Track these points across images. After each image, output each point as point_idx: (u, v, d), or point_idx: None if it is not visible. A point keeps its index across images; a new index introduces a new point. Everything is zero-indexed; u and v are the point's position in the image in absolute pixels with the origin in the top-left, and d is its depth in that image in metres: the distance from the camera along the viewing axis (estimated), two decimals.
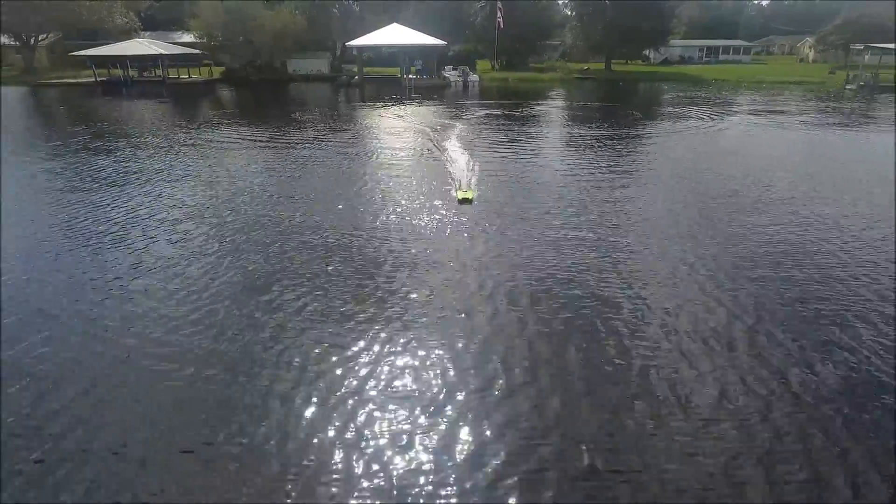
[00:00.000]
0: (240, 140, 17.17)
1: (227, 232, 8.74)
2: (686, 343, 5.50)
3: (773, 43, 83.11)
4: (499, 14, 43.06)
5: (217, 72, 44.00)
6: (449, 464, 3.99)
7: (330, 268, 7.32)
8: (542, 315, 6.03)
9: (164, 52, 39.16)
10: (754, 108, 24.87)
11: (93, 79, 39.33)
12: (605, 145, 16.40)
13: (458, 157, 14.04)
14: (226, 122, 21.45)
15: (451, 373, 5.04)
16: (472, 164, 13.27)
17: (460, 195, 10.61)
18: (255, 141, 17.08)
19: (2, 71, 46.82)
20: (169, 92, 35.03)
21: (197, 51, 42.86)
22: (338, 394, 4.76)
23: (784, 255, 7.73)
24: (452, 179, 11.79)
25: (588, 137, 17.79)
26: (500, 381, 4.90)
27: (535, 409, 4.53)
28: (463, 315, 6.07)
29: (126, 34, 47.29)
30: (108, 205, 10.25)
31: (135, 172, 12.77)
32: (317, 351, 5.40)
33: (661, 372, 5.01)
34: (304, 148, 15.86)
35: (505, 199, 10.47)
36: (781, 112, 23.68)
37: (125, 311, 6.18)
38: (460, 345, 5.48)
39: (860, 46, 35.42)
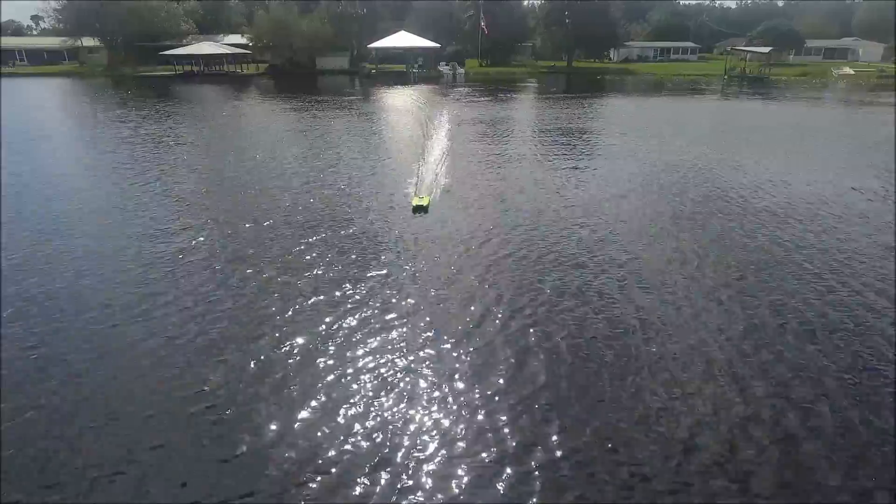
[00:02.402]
0: (330, 97, 30.75)
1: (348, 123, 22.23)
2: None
3: (733, 44, 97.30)
4: (482, 22, 56.72)
5: (262, 67, 57.62)
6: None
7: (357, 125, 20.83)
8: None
9: (227, 52, 52.89)
10: (638, 89, 38.46)
11: (171, 72, 52.97)
12: (524, 101, 30.01)
13: (438, 107, 27.62)
14: (299, 93, 35.03)
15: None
16: (444, 111, 26.79)
17: (415, 202, 10.32)
18: (328, 101, 30.64)
19: (81, 67, 60.38)
20: (232, 81, 48.59)
21: (246, 51, 56.58)
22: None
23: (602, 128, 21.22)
24: (429, 116, 25.12)
25: (515, 98, 31.39)
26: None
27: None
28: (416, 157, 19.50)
29: (183, 37, 61.08)
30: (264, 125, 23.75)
31: (275, 112, 26.30)
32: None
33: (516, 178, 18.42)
34: (360, 103, 29.46)
35: (458, 114, 23.99)
36: (646, 92, 37.28)
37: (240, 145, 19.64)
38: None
39: (728, 48, 49.12)
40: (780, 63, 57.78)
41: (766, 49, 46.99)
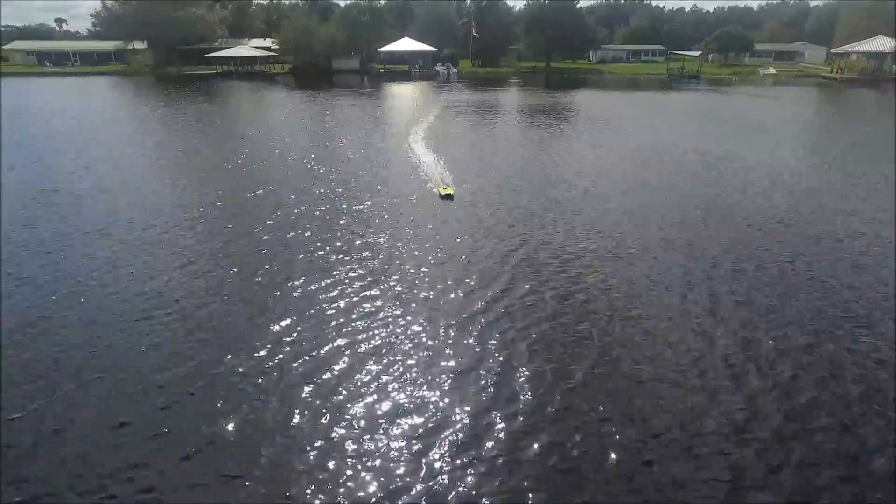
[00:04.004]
0: (343, 88, 41.85)
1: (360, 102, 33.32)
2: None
3: (704, 47, 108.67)
4: (473, 30, 67.92)
5: (286, 67, 68.75)
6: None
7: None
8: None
9: (259, 54, 64.15)
10: (598, 84, 49.58)
11: (212, 71, 64.13)
12: (501, 91, 41.14)
13: (435, 95, 38.74)
14: (322, 87, 46.13)
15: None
16: (440, 97, 37.86)
17: (442, 191, 13.22)
18: (347, 94, 41.73)
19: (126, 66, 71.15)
20: (263, 78, 59.67)
21: (273, 53, 67.82)
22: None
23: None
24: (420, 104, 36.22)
25: (495, 90, 42.56)
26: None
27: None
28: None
29: (214, 40, 72.09)
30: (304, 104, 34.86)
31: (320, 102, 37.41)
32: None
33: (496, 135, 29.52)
34: (374, 89, 40.55)
35: (449, 98, 35.07)
36: (602, 86, 48.38)
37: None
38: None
39: (667, 53, 60.24)
40: (728, 64, 69.10)
41: (697, 53, 58.26)
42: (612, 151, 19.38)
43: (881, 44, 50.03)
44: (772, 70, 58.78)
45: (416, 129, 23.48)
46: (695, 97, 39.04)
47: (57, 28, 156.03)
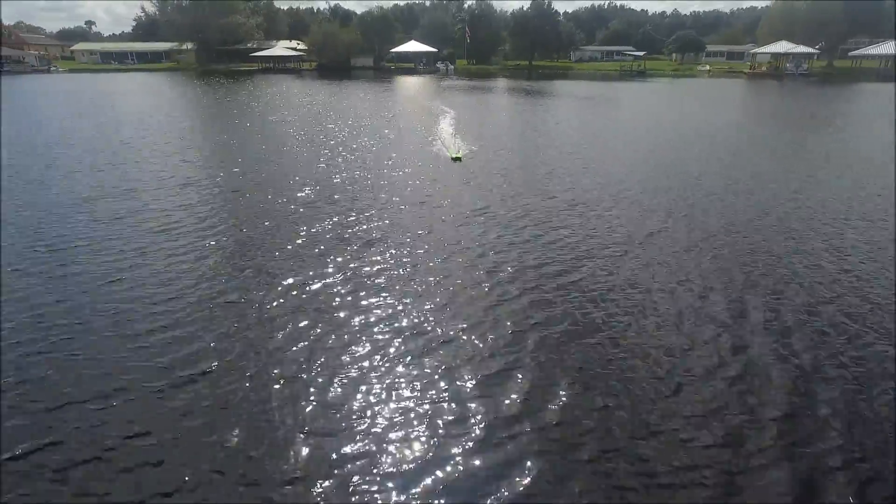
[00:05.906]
0: (365, 79, 57.12)
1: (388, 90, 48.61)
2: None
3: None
4: (467, 34, 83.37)
5: (313, 65, 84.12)
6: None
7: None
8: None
9: (292, 54, 79.68)
10: (566, 77, 64.82)
11: (254, 67, 79.53)
12: (487, 79, 56.45)
13: (436, 81, 54.01)
14: (346, 79, 61.37)
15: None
16: (442, 83, 53.09)
17: (452, 154, 16.26)
18: (372, 81, 56.96)
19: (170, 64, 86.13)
20: (296, 73, 74.98)
21: (302, 52, 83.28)
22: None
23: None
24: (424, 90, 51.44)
25: (481, 78, 57.81)
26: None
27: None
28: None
29: (250, 41, 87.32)
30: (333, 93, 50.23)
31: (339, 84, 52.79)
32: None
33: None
34: (389, 79, 55.81)
35: (451, 85, 50.28)
36: (569, 78, 63.61)
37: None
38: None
39: (617, 53, 75.43)
40: (685, 62, 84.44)
41: (642, 52, 73.66)
42: (564, 113, 34.53)
43: (782, 46, 65.19)
44: (707, 67, 74.04)
45: (423, 101, 38.47)
46: (628, 84, 54.36)
47: (88, 30, 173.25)
